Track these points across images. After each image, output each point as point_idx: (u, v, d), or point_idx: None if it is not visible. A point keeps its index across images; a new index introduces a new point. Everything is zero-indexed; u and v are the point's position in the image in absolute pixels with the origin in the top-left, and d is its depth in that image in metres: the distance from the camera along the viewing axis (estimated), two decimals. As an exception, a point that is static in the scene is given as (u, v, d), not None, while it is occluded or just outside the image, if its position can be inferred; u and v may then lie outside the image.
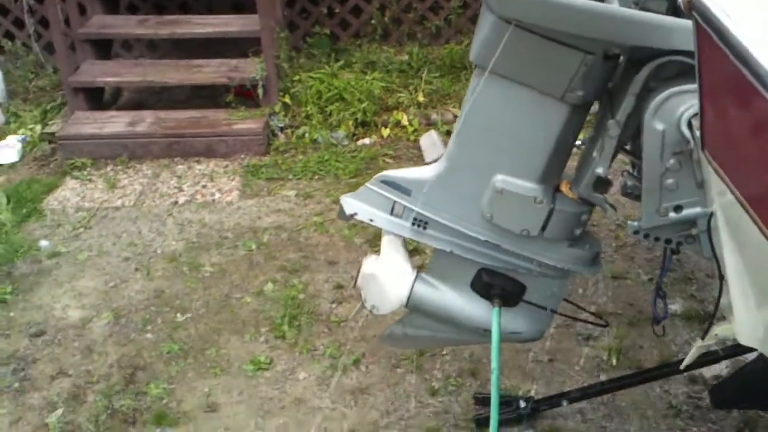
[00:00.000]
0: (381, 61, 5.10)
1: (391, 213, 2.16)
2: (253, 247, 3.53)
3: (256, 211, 3.84)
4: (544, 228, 2.03)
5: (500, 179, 2.00)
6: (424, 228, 2.13)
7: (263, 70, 4.51)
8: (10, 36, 5.57)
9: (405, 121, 4.59)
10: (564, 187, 2.09)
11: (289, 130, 4.56)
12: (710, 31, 1.17)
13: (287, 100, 4.62)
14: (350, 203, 2.20)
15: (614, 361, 2.78)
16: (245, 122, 4.43)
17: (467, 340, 2.41)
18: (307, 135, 4.49)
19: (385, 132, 4.55)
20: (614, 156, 2.00)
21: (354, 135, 4.53)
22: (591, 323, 2.48)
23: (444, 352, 2.85)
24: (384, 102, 4.70)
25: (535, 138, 1.96)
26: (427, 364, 2.82)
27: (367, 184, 2.17)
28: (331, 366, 2.82)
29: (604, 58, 1.83)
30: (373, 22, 5.40)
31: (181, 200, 3.95)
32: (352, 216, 2.19)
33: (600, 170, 1.96)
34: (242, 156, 4.35)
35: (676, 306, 3.04)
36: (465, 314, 2.23)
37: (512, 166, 2.00)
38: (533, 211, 2.02)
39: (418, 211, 2.10)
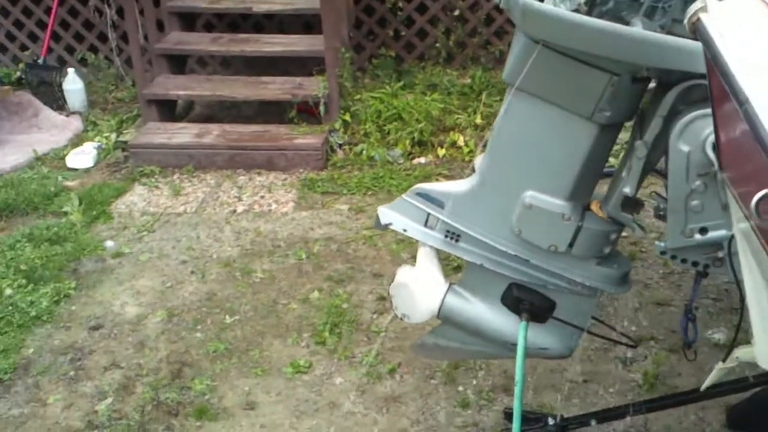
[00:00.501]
0: (443, 83, 5.20)
1: (425, 224, 2.23)
2: (303, 256, 3.66)
3: (309, 223, 3.97)
4: (571, 245, 2.07)
5: (529, 195, 2.05)
6: (457, 240, 2.19)
7: (326, 88, 4.67)
8: (93, 49, 5.91)
9: (461, 142, 4.66)
10: (594, 206, 2.13)
11: (347, 147, 4.70)
12: (707, 52, 1.21)
13: (347, 117, 4.76)
14: (386, 213, 2.29)
15: (649, 386, 2.77)
16: (305, 137, 4.58)
17: (496, 354, 2.44)
18: (364, 152, 4.62)
19: (441, 152, 4.63)
20: (643, 177, 2.03)
21: (410, 154, 4.63)
22: (619, 342, 2.49)
23: (478, 367, 2.90)
24: (442, 123, 4.79)
25: (563, 156, 2.01)
26: (461, 377, 2.87)
27: (404, 195, 2.25)
28: (367, 373, 2.90)
29: (632, 80, 1.87)
30: (437, 45, 5.52)
31: (240, 209, 4.11)
32: (386, 226, 2.27)
33: (627, 190, 1.99)
34: (301, 170, 4.50)
35: (719, 335, 3.00)
36: (494, 327, 2.28)
37: (541, 183, 2.05)
38: (561, 228, 2.06)
39: (451, 224, 2.17)
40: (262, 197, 4.23)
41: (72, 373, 2.99)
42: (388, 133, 4.70)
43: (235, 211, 4.11)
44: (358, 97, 4.88)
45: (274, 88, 4.85)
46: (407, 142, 4.64)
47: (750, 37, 1.17)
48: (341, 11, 4.96)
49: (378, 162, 4.57)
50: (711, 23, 1.23)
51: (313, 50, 4.81)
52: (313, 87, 4.73)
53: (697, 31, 1.27)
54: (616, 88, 1.86)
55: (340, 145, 4.70)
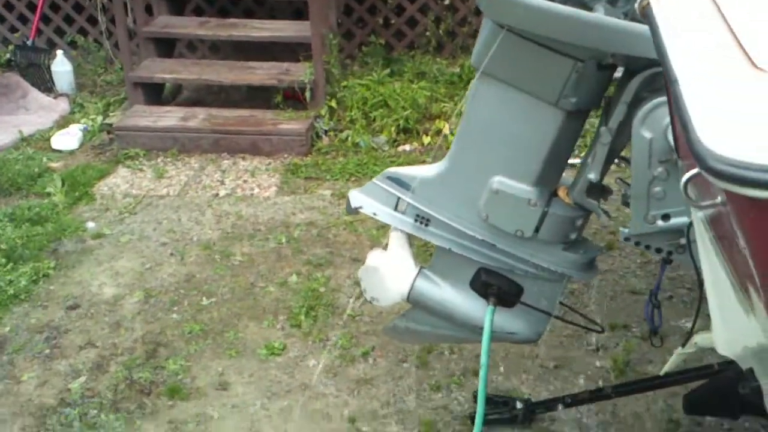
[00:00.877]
0: (432, 72, 5.21)
1: (395, 208, 2.24)
2: (283, 240, 3.67)
3: (290, 208, 3.98)
4: (537, 230, 2.09)
5: (497, 180, 2.07)
6: (426, 225, 2.21)
7: (312, 74, 4.68)
8: (83, 32, 5.91)
9: (446, 130, 4.66)
10: (561, 192, 2.14)
11: (333, 133, 4.71)
12: (653, 37, 1.23)
13: (333, 104, 4.76)
14: (357, 197, 2.30)
15: (619, 372, 2.79)
16: (290, 123, 4.59)
17: (465, 338, 2.46)
18: (349, 138, 4.63)
19: (426, 139, 4.64)
20: (608, 164, 2.04)
21: (395, 141, 4.64)
22: (586, 328, 2.51)
23: (451, 351, 2.92)
24: (428, 111, 4.80)
25: (530, 141, 2.02)
26: (434, 361, 2.89)
27: (374, 179, 2.27)
28: (340, 356, 2.92)
29: (598, 67, 1.88)
30: (427, 33, 5.52)
31: (222, 193, 4.12)
32: (357, 209, 2.29)
33: (592, 176, 2.00)
34: (285, 155, 4.51)
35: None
36: (463, 312, 2.29)
37: (508, 168, 2.06)
38: (527, 213, 2.07)
39: (420, 208, 2.19)
40: (245, 181, 4.24)
41: (47, 351, 3.00)
42: (374, 120, 4.71)
43: (217, 194, 4.12)
44: (344, 83, 4.89)
45: (261, 73, 4.85)
46: (392, 129, 4.65)
47: (691, 21, 1.18)
48: (330, -2, 4.96)
49: (363, 148, 4.58)
50: (658, 8, 1.25)
51: (300, 36, 4.81)
52: (300, 73, 4.74)
53: (646, 16, 1.28)
54: (581, 75, 1.87)
55: (326, 131, 4.71)
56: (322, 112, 4.72)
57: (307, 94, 4.70)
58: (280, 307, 3.21)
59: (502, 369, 2.84)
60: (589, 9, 1.85)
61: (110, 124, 4.76)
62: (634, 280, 3.34)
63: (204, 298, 3.27)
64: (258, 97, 5.03)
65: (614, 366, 2.83)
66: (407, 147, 4.63)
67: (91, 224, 3.84)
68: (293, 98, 4.82)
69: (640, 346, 2.94)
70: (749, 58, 0.97)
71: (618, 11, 1.92)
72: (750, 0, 1.13)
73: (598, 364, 2.86)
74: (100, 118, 4.91)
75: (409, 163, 4.40)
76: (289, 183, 4.23)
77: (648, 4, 1.29)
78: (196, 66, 5.10)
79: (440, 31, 5.52)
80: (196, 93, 5.36)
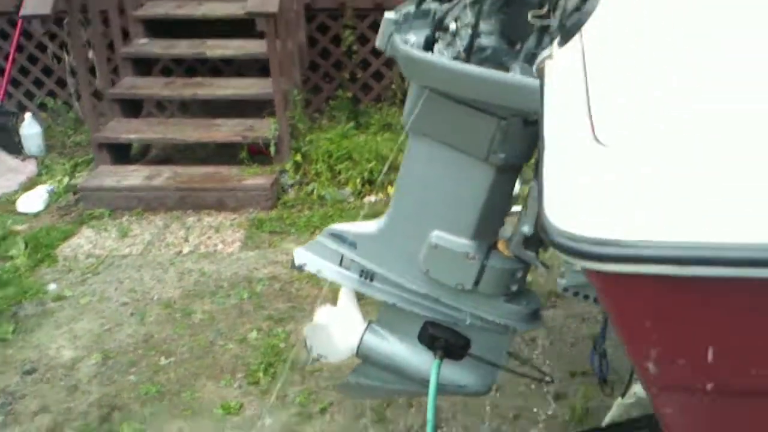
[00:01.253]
0: (398, 123, 5.27)
1: (340, 265, 2.26)
2: (245, 296, 3.67)
3: (254, 263, 3.99)
4: (477, 283, 2.10)
5: (435, 235, 2.08)
6: (371, 280, 2.22)
7: (276, 129, 4.73)
8: (53, 95, 5.96)
9: (410, 181, 4.70)
10: (501, 245, 2.16)
11: (298, 187, 4.74)
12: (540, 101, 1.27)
13: (299, 158, 4.80)
14: (301, 254, 2.32)
15: (578, 420, 2.78)
16: (255, 178, 4.62)
17: (418, 392, 2.44)
18: (315, 191, 4.66)
19: (391, 190, 4.67)
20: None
21: (360, 192, 4.68)
22: (533, 378, 2.51)
23: (409, 404, 2.90)
24: (393, 162, 4.84)
25: (464, 197, 2.03)
26: (392, 415, 2.87)
27: (318, 236, 2.29)
28: (298, 413, 2.90)
29: (524, 123, 1.92)
30: (393, 86, 5.60)
31: (186, 250, 4.13)
32: (300, 267, 2.30)
33: (525, 228, 2.02)
34: (250, 210, 4.52)
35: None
36: (412, 366, 2.29)
37: (445, 223, 2.07)
38: (466, 266, 2.08)
39: (364, 264, 2.20)
40: (209, 238, 4.25)
41: (1, 418, 2.96)
42: (339, 172, 4.75)
43: (180, 252, 4.12)
44: (309, 137, 4.94)
45: (226, 130, 4.90)
46: (357, 181, 4.68)
47: (565, 85, 1.22)
48: (293, 55, 5.03)
49: (328, 201, 4.60)
50: (549, 70, 1.29)
51: (263, 93, 4.87)
52: (265, 129, 4.78)
53: (540, 78, 1.33)
54: (507, 131, 1.89)
55: (291, 185, 4.74)
56: (288, 166, 4.76)
57: (272, 149, 4.74)
58: (239, 364, 3.19)
59: (460, 420, 2.82)
60: (506, 69, 1.89)
61: (76, 185, 4.78)
62: (595, 326, 3.35)
63: (162, 358, 3.25)
64: (225, 153, 5.06)
65: (573, 414, 2.82)
66: (373, 198, 4.66)
67: (52, 286, 3.82)
68: (262, 153, 4.86)
69: (599, 392, 2.93)
70: (593, 130, 1.00)
71: (534, 70, 1.97)
72: (617, 63, 1.17)
73: (557, 413, 2.85)
74: (66, 179, 4.93)
75: (374, 214, 4.40)
76: (254, 238, 4.24)
77: (543, 66, 1.33)
78: (162, 125, 5.14)
79: (405, 84, 5.59)
80: (164, 151, 5.39)
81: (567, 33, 1.36)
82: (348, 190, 4.67)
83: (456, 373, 2.27)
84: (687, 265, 0.88)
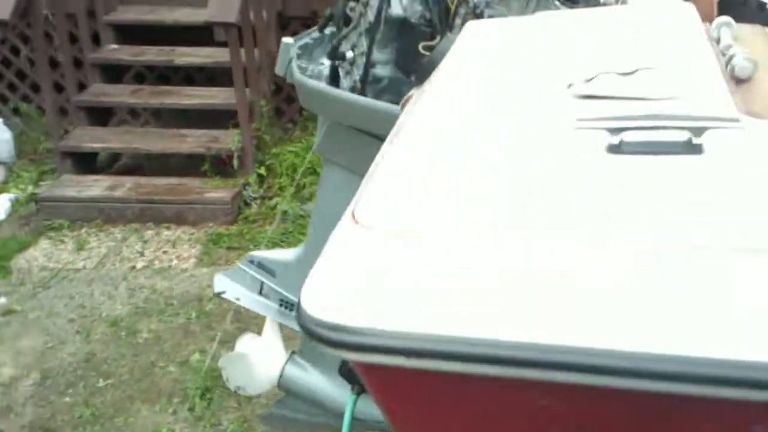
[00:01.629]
0: (370, 135, 5.23)
1: (260, 293, 2.23)
2: (193, 315, 3.63)
3: (207, 280, 3.94)
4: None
5: None
6: (291, 310, 2.19)
7: (239, 141, 4.68)
8: (27, 99, 5.92)
9: (375, 197, 4.66)
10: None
11: (261, 201, 4.70)
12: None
13: (263, 171, 4.76)
14: (221, 281, 2.28)
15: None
16: (217, 191, 4.58)
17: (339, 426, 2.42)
18: (278, 206, 4.62)
19: (354, 206, 4.63)
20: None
21: (323, 208, 4.63)
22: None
23: (342, 436, 2.85)
24: (358, 176, 4.79)
25: None
26: (325, 446, 2.83)
27: (239, 263, 2.25)
28: (229, 442, 2.87)
29: None
30: (367, 96, 5.56)
31: (140, 265, 4.09)
32: (219, 294, 2.27)
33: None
34: (210, 224, 4.48)
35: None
36: (332, 398, 2.25)
37: None
38: None
39: (283, 293, 2.17)
40: (165, 252, 4.21)
41: (-70, 440, 2.94)
42: (303, 187, 4.70)
43: (134, 267, 4.08)
44: (274, 150, 4.90)
45: (191, 141, 4.86)
46: (321, 196, 4.64)
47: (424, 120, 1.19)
48: (261, 65, 4.99)
49: (290, 216, 4.56)
50: (410, 105, 1.26)
51: (229, 103, 4.82)
52: (229, 140, 4.74)
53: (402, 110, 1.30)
54: None
55: (254, 199, 4.70)
56: (251, 179, 4.72)
57: (235, 162, 4.70)
58: (177, 389, 3.15)
59: None
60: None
61: (38, 194, 4.75)
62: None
63: (101, 380, 3.21)
64: (192, 164, 5.02)
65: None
66: (335, 214, 4.61)
67: (2, 300, 3.79)
68: (226, 165, 4.81)
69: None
70: (353, 210, 0.96)
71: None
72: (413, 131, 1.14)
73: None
74: (30, 188, 4.90)
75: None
76: (210, 254, 4.20)
77: (407, 101, 1.30)
78: (128, 134, 5.10)
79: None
80: (133, 160, 5.34)
81: (421, 74, 1.34)
82: (312, 205, 4.62)
83: (375, 407, 2.23)
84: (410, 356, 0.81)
